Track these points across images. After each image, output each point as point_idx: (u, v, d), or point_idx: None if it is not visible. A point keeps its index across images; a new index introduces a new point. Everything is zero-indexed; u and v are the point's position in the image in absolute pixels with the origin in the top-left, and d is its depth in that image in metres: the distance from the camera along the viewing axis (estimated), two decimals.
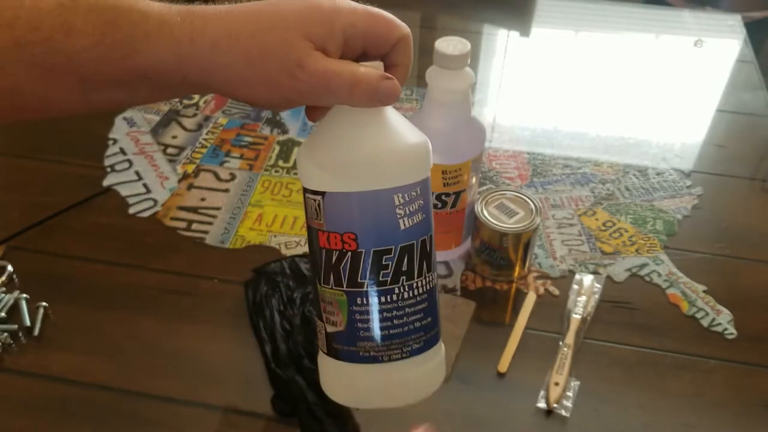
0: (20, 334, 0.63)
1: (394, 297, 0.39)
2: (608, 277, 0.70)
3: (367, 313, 0.39)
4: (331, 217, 0.38)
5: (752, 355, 0.63)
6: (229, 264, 0.70)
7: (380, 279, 0.39)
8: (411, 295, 0.40)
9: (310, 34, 0.36)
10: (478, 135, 0.63)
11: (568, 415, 0.58)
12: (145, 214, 0.76)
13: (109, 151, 0.84)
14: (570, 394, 0.59)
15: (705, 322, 0.66)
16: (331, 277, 0.39)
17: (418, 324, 0.41)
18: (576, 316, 0.65)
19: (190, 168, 0.82)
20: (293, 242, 0.73)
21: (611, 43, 1.12)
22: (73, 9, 0.35)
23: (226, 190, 0.79)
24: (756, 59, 1.06)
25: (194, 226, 0.75)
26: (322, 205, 0.38)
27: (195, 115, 0.91)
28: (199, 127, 0.89)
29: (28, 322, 0.63)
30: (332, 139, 0.39)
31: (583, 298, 0.67)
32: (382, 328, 0.40)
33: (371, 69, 0.38)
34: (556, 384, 0.59)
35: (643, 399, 0.60)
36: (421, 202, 0.40)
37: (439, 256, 0.70)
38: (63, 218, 0.74)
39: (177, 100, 0.93)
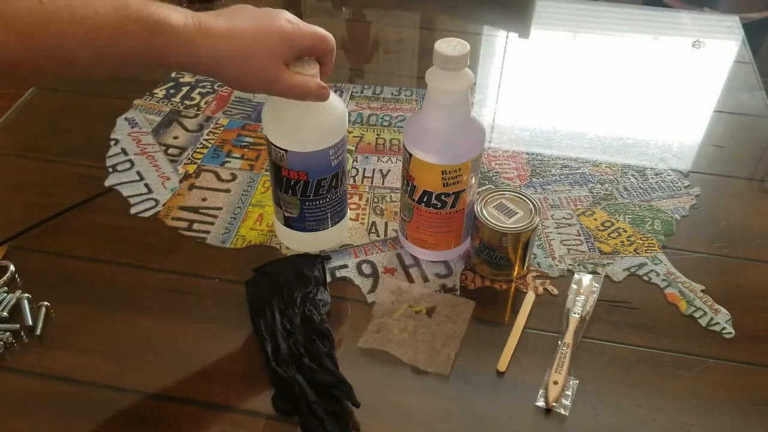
0: (22, 334, 0.63)
1: (327, 199, 0.67)
2: (607, 277, 0.70)
3: (312, 209, 0.67)
4: (292, 162, 0.63)
5: (750, 354, 0.64)
6: (230, 264, 0.71)
7: (320, 192, 0.66)
8: (335, 197, 0.67)
9: (282, 54, 0.57)
10: (477, 135, 0.64)
11: (566, 413, 0.58)
12: (147, 214, 0.76)
13: (110, 152, 0.85)
14: (569, 393, 0.59)
15: (703, 322, 0.66)
16: (290, 190, 0.65)
17: (339, 209, 0.69)
18: (575, 316, 0.65)
19: (192, 168, 0.83)
20: None
21: (610, 44, 1.13)
22: (126, 17, 0.48)
23: (227, 191, 0.80)
24: (754, 60, 1.07)
25: (195, 226, 0.75)
26: (286, 157, 0.63)
27: (196, 115, 0.91)
28: (200, 127, 0.89)
29: (30, 322, 0.64)
30: (290, 117, 0.61)
31: (581, 298, 0.67)
32: (319, 215, 0.68)
33: (316, 81, 0.59)
34: (555, 383, 0.59)
35: (642, 398, 0.60)
36: (344, 147, 0.65)
37: (439, 255, 0.71)
38: (65, 218, 0.75)
39: (178, 101, 0.93)
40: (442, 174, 0.63)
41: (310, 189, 0.64)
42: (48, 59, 0.47)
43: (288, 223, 0.69)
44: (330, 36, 0.60)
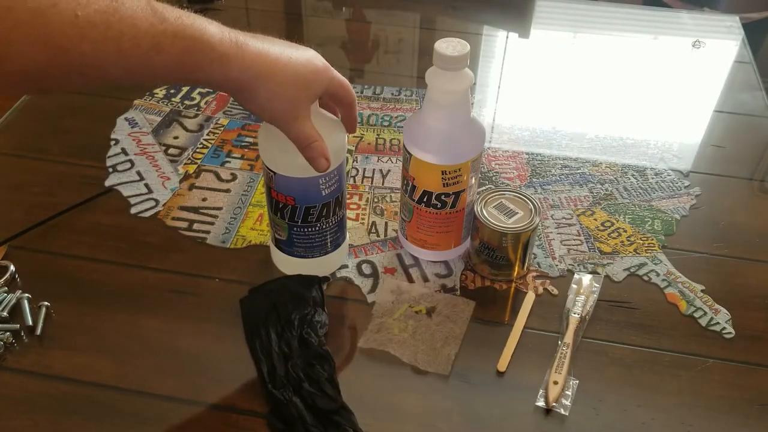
0: (22, 334, 0.63)
1: (317, 228, 0.64)
2: (607, 277, 0.70)
3: (300, 235, 0.64)
4: (279, 185, 0.61)
5: (750, 354, 0.64)
6: (230, 264, 0.71)
7: (308, 220, 0.63)
8: (327, 225, 0.64)
9: (312, 91, 0.56)
10: (477, 135, 0.64)
11: (566, 413, 0.58)
12: (147, 214, 0.76)
13: (110, 152, 0.85)
14: (569, 392, 0.59)
15: (703, 322, 0.67)
16: (279, 213, 0.63)
17: (330, 239, 0.66)
18: (575, 316, 0.65)
19: (192, 168, 0.83)
20: None
21: (610, 44, 1.13)
22: (163, 32, 0.46)
23: (228, 191, 0.80)
24: (754, 60, 1.07)
25: (195, 226, 0.75)
26: (274, 179, 0.61)
27: (196, 115, 0.91)
28: (201, 127, 0.89)
29: (30, 322, 0.64)
30: (281, 140, 0.57)
31: (581, 298, 0.67)
32: (308, 242, 0.65)
33: (321, 145, 0.57)
34: (555, 383, 0.59)
35: (642, 398, 0.60)
36: (337, 177, 0.62)
37: (439, 256, 0.71)
38: (65, 218, 0.75)
39: (179, 101, 0.93)
40: (442, 174, 0.63)
41: (297, 215, 0.62)
42: (78, 74, 0.45)
43: (278, 244, 0.67)
44: (351, 87, 0.60)
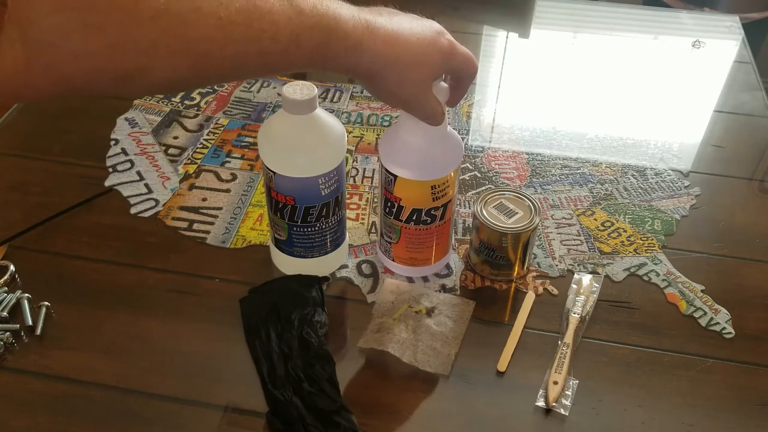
0: (22, 334, 0.63)
1: (316, 228, 0.64)
2: (607, 277, 0.70)
3: (300, 235, 0.64)
4: (279, 185, 0.61)
5: (750, 354, 0.64)
6: (230, 264, 0.71)
7: (308, 220, 0.63)
8: (327, 225, 0.65)
9: (437, 71, 0.55)
10: (456, 145, 0.62)
11: (566, 413, 0.58)
12: (147, 214, 0.76)
13: (110, 152, 0.85)
14: (569, 393, 0.59)
15: (703, 322, 0.66)
16: (278, 213, 0.63)
17: (330, 239, 0.66)
18: (575, 316, 0.65)
19: (192, 168, 0.83)
20: None
21: (610, 44, 1.13)
22: (300, 25, 0.45)
23: (228, 191, 0.80)
24: (754, 60, 1.07)
25: (195, 226, 0.75)
26: (274, 179, 0.61)
27: (196, 115, 0.91)
28: (201, 127, 0.89)
29: (30, 322, 0.64)
30: (281, 140, 0.60)
31: (581, 298, 0.67)
32: (307, 243, 0.65)
33: (443, 110, 0.57)
34: (555, 383, 0.59)
35: (642, 398, 0.60)
36: (337, 177, 0.62)
37: (430, 270, 0.69)
38: (65, 218, 0.75)
39: (178, 101, 0.93)
40: (432, 189, 0.62)
41: (297, 215, 0.62)
42: (218, 77, 0.45)
43: (278, 244, 0.67)
44: (476, 61, 0.58)
